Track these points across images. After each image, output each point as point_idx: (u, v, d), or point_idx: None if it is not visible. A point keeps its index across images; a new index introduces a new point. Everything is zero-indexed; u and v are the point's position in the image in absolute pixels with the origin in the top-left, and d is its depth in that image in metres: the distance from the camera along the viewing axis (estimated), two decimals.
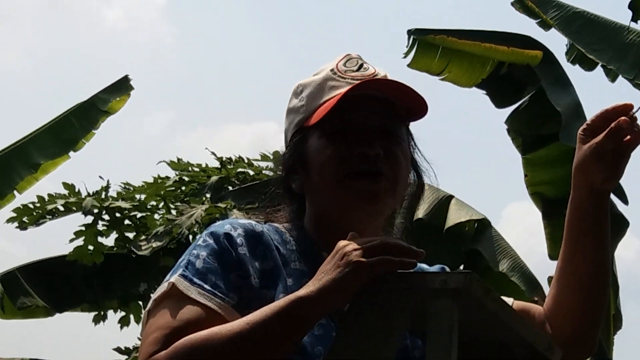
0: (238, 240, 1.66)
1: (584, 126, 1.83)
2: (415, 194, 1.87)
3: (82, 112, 8.50)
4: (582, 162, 1.82)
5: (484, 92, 7.46)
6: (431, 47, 7.40)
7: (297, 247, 1.73)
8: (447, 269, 1.91)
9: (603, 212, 1.84)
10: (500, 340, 1.65)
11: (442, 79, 7.43)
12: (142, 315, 1.72)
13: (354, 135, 1.73)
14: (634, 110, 1.80)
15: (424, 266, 1.90)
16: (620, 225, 7.18)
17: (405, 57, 7.45)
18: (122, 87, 8.76)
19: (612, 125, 1.77)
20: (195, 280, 1.61)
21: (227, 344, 1.52)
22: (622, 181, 7.15)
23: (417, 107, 1.79)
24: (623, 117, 1.77)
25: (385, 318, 1.47)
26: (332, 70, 1.80)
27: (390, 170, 1.73)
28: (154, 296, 1.63)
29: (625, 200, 7.19)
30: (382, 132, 1.74)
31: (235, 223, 1.70)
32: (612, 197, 7.18)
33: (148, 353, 1.54)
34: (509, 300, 1.88)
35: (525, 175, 7.21)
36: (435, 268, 1.90)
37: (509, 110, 7.44)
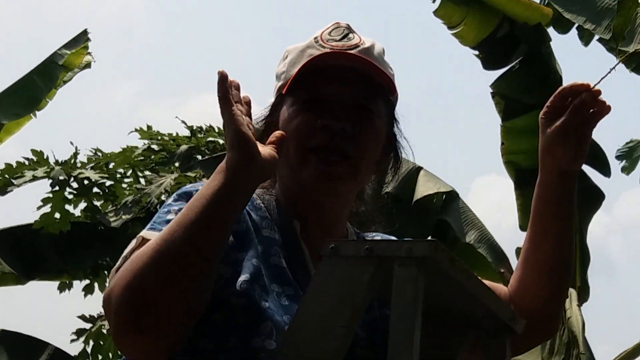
0: None
1: (545, 109, 1.82)
2: (390, 170, 1.85)
3: (42, 70, 8.45)
4: (549, 145, 1.81)
5: (477, 52, 7.37)
6: None
7: (268, 213, 1.71)
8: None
9: (570, 194, 1.84)
10: (465, 310, 1.65)
11: (454, 33, 7.29)
12: (107, 284, 1.69)
13: (324, 108, 1.69)
14: (593, 84, 1.80)
15: (394, 239, 1.90)
16: (596, 197, 7.18)
17: (433, 1, 7.34)
18: (79, 40, 8.71)
19: (576, 101, 1.77)
20: (164, 227, 1.55)
21: (165, 239, 1.49)
22: (607, 153, 7.12)
23: (388, 84, 1.76)
24: (586, 92, 1.77)
25: (350, 287, 1.47)
26: (315, 38, 1.77)
27: (355, 149, 1.69)
28: (123, 254, 1.58)
29: (607, 173, 7.17)
30: (355, 106, 1.71)
31: None
32: (591, 169, 7.17)
33: (108, 286, 1.52)
34: None
35: (502, 143, 7.14)
36: None
37: (491, 75, 7.38)
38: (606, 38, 6.86)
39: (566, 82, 1.85)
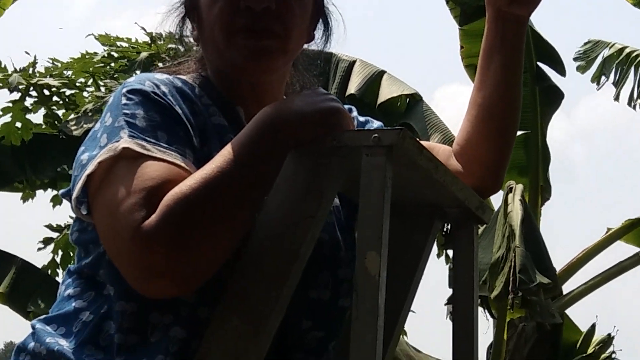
0: (167, 97, 1.55)
1: None
2: (322, 37, 1.78)
3: None
4: None
5: None
6: None
7: (210, 100, 1.64)
8: (354, 109, 1.87)
9: (513, 41, 1.80)
10: (433, 200, 1.65)
11: None
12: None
13: None
14: None
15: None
16: (555, 96, 7.22)
17: None
18: None
19: None
20: (148, 138, 1.47)
21: (220, 182, 1.40)
22: (561, 53, 7.16)
23: None
24: None
25: (317, 178, 1.45)
26: None
27: (281, 25, 1.63)
28: (97, 159, 1.47)
29: (562, 72, 7.20)
30: None
31: (154, 79, 1.58)
32: (547, 68, 7.19)
33: (135, 221, 1.38)
34: None
35: (462, 47, 7.14)
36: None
37: None
38: None
39: None
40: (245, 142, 1.45)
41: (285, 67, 1.70)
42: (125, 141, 1.46)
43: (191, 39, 1.75)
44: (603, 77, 7.90)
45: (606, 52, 7.99)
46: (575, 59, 8.10)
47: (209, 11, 1.65)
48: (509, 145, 1.83)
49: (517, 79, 1.82)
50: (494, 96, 1.80)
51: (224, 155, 1.44)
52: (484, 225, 1.94)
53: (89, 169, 1.47)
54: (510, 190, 6.22)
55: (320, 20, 1.77)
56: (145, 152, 1.45)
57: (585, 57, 8.12)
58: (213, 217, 1.40)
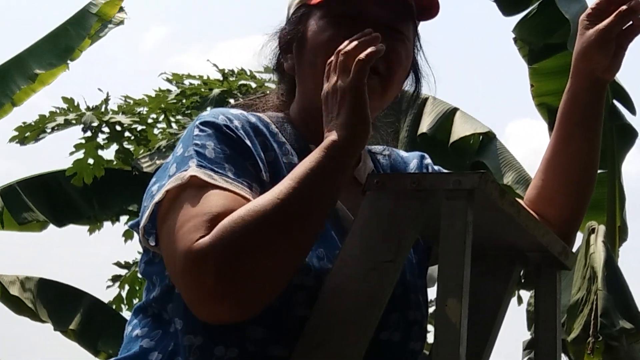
0: (239, 131, 1.55)
1: (588, 11, 1.75)
2: (412, 96, 1.77)
3: (76, 20, 8.39)
4: (586, 48, 1.74)
5: None
6: None
7: (285, 139, 1.63)
8: (426, 156, 1.85)
9: (599, 103, 1.77)
10: (514, 244, 1.61)
11: None
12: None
13: (357, 25, 1.60)
14: None
15: (402, 153, 1.83)
16: (629, 135, 7.11)
17: None
18: None
19: (624, 7, 1.70)
20: (216, 169, 1.48)
21: (278, 208, 1.41)
22: (629, 91, 7.06)
23: (428, 4, 1.70)
24: (635, 1, 1.70)
25: (396, 222, 1.42)
26: None
27: (387, 69, 1.62)
28: (165, 187, 1.48)
29: (632, 110, 7.11)
30: (389, 26, 1.63)
31: (228, 113, 1.58)
32: (620, 106, 7.09)
33: (191, 240, 1.39)
34: None
35: (532, 86, 7.08)
36: (414, 155, 1.83)
37: (517, 18, 7.27)
38: None
39: None
40: (302, 167, 1.46)
41: (375, 111, 1.67)
42: (193, 170, 1.47)
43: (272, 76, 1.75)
44: None
45: None
46: None
47: (315, 38, 1.64)
48: (586, 204, 1.80)
49: (599, 141, 1.80)
50: (578, 159, 1.77)
51: (282, 182, 1.45)
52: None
53: (157, 197, 1.49)
54: (592, 231, 6.09)
55: (412, 74, 1.75)
56: (212, 181, 1.46)
57: None
58: (268, 240, 1.39)
